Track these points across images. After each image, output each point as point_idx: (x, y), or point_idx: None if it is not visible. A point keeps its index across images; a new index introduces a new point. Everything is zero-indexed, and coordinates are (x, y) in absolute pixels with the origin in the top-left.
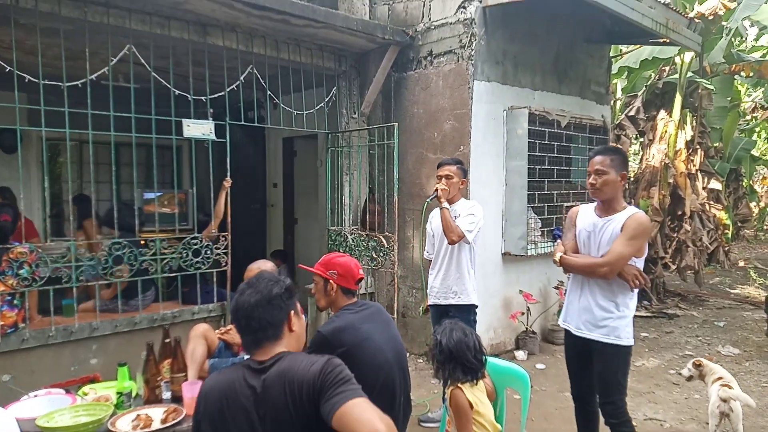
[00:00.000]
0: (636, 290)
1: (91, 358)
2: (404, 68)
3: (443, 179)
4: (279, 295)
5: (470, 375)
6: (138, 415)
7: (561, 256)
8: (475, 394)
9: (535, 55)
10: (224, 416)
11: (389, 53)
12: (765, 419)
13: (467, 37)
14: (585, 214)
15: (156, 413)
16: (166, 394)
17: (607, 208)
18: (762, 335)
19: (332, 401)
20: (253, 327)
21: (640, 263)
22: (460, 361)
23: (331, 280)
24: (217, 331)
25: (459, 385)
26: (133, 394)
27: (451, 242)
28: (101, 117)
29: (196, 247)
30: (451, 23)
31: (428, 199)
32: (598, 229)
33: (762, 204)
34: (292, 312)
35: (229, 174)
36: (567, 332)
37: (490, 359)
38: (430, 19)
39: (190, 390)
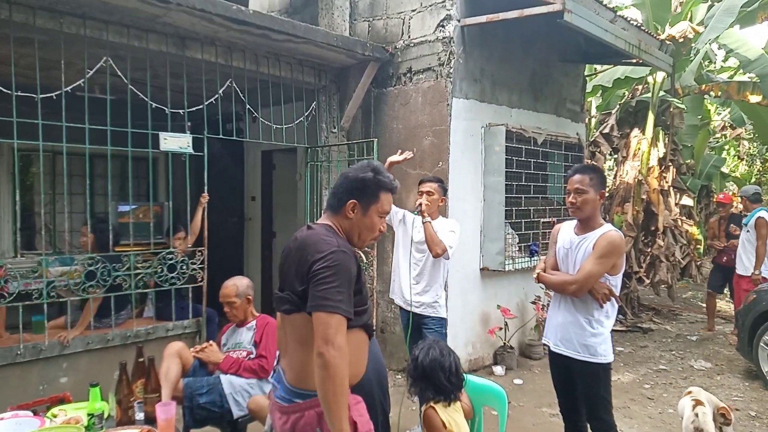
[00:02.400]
0: (615, 308)
1: (61, 377)
2: (384, 84)
3: (425, 195)
4: (357, 178)
5: (442, 396)
6: None
7: (539, 273)
8: (450, 414)
9: (511, 73)
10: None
11: (369, 69)
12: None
13: (446, 55)
14: (565, 232)
15: None
16: (140, 415)
17: (584, 226)
18: (732, 349)
19: (310, 300)
20: (331, 192)
21: (616, 280)
22: (432, 381)
23: None
24: (192, 349)
25: (432, 404)
26: (105, 416)
27: (436, 255)
28: (75, 128)
29: (171, 262)
30: (430, 41)
31: (414, 212)
32: (575, 246)
33: None
34: (356, 203)
35: (206, 188)
36: (549, 348)
37: (468, 376)
38: (409, 37)
39: (164, 411)
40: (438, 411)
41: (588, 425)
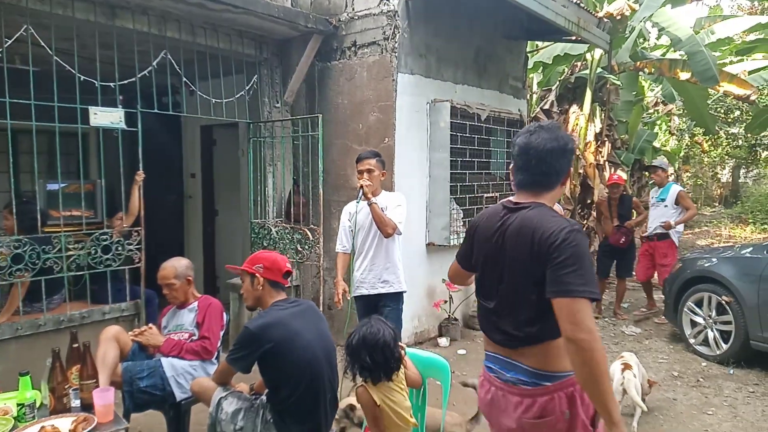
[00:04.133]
0: None
1: None
2: (328, 58)
3: (365, 173)
4: (571, 150)
5: (366, 374)
6: (43, 427)
7: None
8: (383, 392)
9: (457, 49)
10: (478, 235)
11: (312, 42)
12: (661, 392)
13: (390, 29)
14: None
15: (64, 424)
16: (75, 402)
17: None
18: (660, 315)
19: (553, 284)
20: (541, 170)
21: None
22: (359, 362)
23: (257, 275)
24: (130, 333)
25: (362, 383)
26: (38, 405)
27: (387, 235)
28: None
29: (106, 243)
30: (374, 14)
31: (357, 201)
32: None
33: None
34: (569, 173)
35: (141, 165)
36: None
37: (412, 350)
38: (353, 9)
39: (102, 397)
40: (369, 389)
41: None
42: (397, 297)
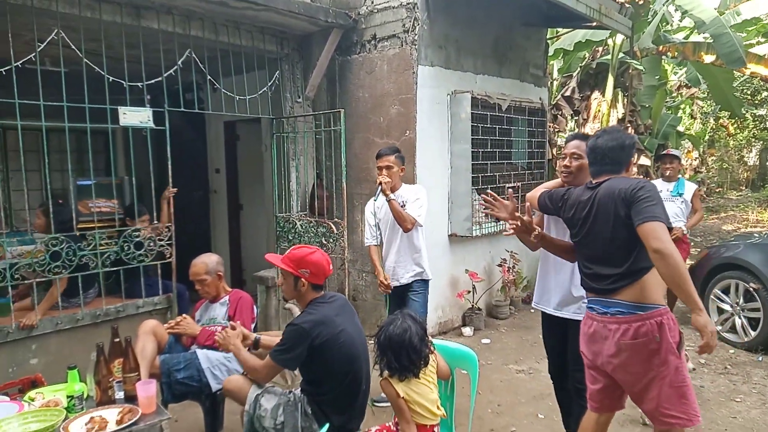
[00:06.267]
0: None
1: (30, 359)
2: (348, 52)
3: (384, 170)
4: (630, 146)
5: (396, 373)
6: (92, 418)
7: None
8: (408, 385)
9: (475, 39)
10: (573, 206)
11: (332, 36)
12: None
13: (410, 21)
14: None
15: (110, 414)
16: (119, 395)
17: None
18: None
19: (638, 214)
20: (606, 162)
21: None
22: (387, 358)
23: (302, 278)
24: (165, 325)
25: (386, 376)
26: (85, 396)
27: (406, 230)
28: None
29: (138, 239)
30: (394, 7)
31: (374, 199)
32: None
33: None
34: (631, 162)
35: (170, 162)
36: (543, 313)
37: (440, 342)
38: (372, 2)
39: (145, 389)
40: (392, 382)
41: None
42: (423, 284)
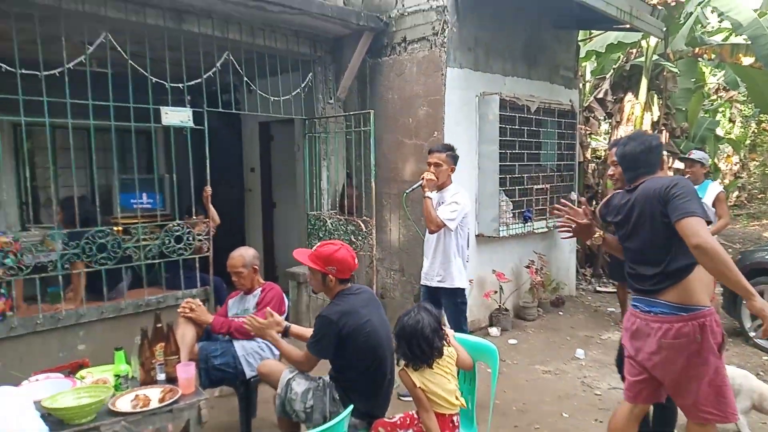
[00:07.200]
0: None
1: (78, 344)
2: (379, 54)
3: (432, 166)
4: (657, 146)
5: (407, 360)
6: (137, 395)
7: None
8: (424, 376)
9: (505, 41)
10: (615, 210)
11: (364, 39)
12: None
13: (440, 24)
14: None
15: (153, 393)
16: (161, 376)
17: None
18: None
19: (675, 211)
20: (638, 166)
21: None
22: (402, 348)
23: (330, 275)
24: (179, 309)
25: (404, 366)
26: (129, 376)
27: (431, 231)
28: (72, 101)
29: (178, 233)
30: (424, 10)
31: (407, 191)
32: None
33: (726, 182)
34: (663, 160)
35: (208, 161)
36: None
37: (462, 336)
38: (403, 6)
39: (185, 371)
40: (409, 372)
41: None
42: (452, 293)
